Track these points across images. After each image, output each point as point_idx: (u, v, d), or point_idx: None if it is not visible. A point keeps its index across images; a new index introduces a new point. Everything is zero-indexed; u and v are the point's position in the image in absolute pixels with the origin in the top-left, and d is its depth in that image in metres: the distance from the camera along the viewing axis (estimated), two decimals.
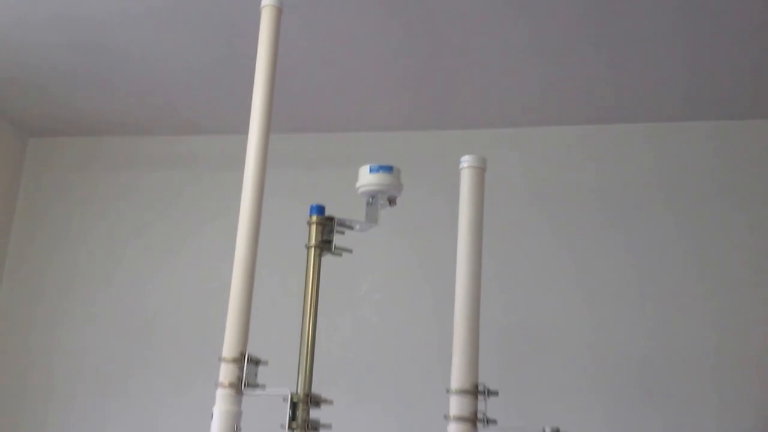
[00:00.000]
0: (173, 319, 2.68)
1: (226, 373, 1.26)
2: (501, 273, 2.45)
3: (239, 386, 1.25)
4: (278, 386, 1.26)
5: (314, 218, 1.38)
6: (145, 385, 2.63)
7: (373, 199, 1.42)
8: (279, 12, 1.43)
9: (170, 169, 2.87)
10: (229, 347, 1.28)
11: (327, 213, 1.40)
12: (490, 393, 1.15)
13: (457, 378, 1.15)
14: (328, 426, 1.26)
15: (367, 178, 1.39)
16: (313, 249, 1.36)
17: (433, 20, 2.07)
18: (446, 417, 1.15)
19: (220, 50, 2.29)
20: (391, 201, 1.43)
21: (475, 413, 1.13)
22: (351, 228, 1.41)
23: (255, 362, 1.28)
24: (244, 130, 1.36)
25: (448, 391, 1.16)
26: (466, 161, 1.27)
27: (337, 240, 1.39)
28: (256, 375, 1.29)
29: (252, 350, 1.27)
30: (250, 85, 1.39)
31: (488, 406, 1.16)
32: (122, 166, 2.92)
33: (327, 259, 1.38)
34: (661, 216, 2.47)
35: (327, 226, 1.38)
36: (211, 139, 2.85)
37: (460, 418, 1.13)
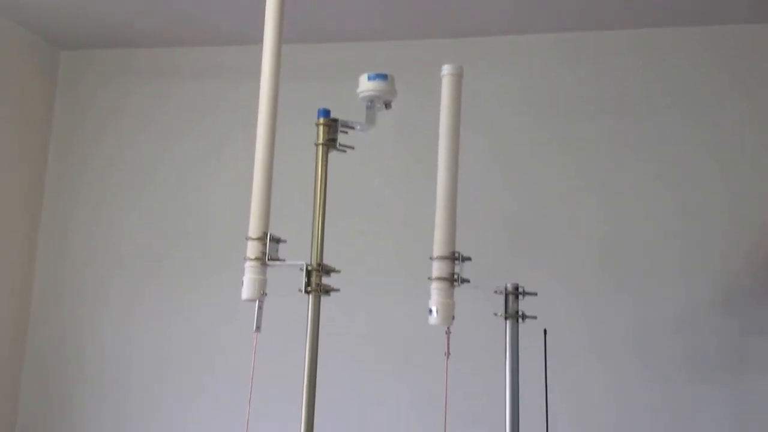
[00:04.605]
0: (206, 213, 2.97)
1: (252, 249, 1.55)
2: (501, 167, 2.73)
3: (263, 259, 1.54)
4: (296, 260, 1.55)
5: (321, 120, 1.63)
6: (179, 267, 2.96)
7: (371, 103, 1.66)
8: None
9: (201, 80, 3.08)
10: (254, 228, 1.56)
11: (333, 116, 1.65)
12: (464, 259, 1.42)
13: (438, 247, 1.43)
14: (337, 290, 1.56)
15: (365, 85, 1.62)
16: (320, 146, 1.62)
17: None
18: (430, 278, 1.43)
19: None
20: (387, 105, 1.67)
21: (452, 274, 1.41)
22: (353, 128, 1.65)
23: (276, 240, 1.57)
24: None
25: (431, 258, 1.43)
26: (445, 69, 1.50)
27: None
28: (277, 251, 1.58)
29: (274, 232, 1.56)
30: None
31: (471, 272, 1.44)
32: (153, 77, 3.13)
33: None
34: (625, 119, 2.71)
35: (332, 126, 1.63)
36: (240, 50, 3.03)
37: (440, 278, 1.41)
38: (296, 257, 1.57)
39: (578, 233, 2.66)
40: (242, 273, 1.55)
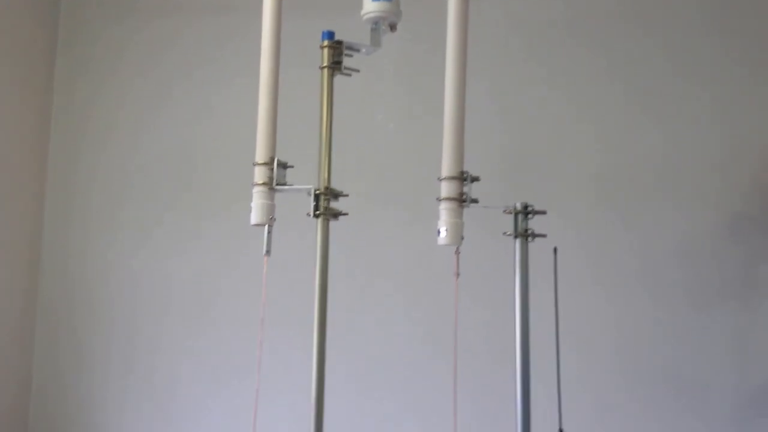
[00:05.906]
0: (212, 151, 2.95)
1: (260, 174, 1.55)
2: (496, 98, 2.70)
3: (271, 184, 1.54)
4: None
5: (326, 43, 1.60)
6: (188, 202, 2.94)
7: (376, 25, 1.63)
8: None
9: (205, 18, 2.99)
10: (260, 153, 1.56)
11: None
12: (473, 179, 1.41)
13: (446, 168, 1.42)
14: (346, 214, 1.56)
15: (370, 6, 1.59)
16: (326, 69, 1.59)
17: None
18: (438, 199, 1.42)
19: None
20: (392, 27, 1.64)
21: (461, 194, 1.40)
22: (358, 51, 1.63)
23: (283, 165, 1.57)
24: None
25: (439, 179, 1.42)
26: None
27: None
28: (284, 176, 1.57)
29: (282, 157, 1.55)
30: None
31: (480, 194, 1.43)
32: (159, 16, 3.05)
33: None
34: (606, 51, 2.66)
35: (337, 49, 1.60)
36: None
37: (448, 199, 1.40)
38: (304, 181, 1.57)
39: (575, 165, 2.62)
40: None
